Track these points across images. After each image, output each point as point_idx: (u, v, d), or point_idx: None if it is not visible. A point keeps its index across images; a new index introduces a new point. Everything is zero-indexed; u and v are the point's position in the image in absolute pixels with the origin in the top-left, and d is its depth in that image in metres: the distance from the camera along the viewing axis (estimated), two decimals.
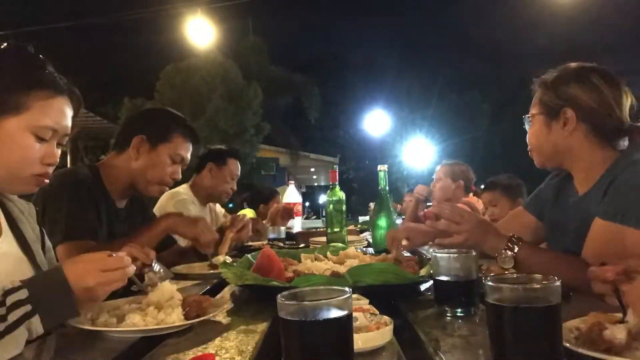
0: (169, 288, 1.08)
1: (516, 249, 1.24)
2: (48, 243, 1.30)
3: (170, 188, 2.05)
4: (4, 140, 1.07)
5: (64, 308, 0.95)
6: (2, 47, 1.14)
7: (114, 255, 1.02)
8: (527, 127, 1.53)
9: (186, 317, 1.00)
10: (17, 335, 0.88)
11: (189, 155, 1.92)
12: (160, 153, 1.81)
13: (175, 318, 0.98)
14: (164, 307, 1.02)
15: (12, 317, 0.87)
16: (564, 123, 1.39)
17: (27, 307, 0.89)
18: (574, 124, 1.38)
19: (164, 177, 1.83)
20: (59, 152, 1.16)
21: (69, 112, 1.16)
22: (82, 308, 0.99)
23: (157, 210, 2.59)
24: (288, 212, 2.97)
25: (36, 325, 0.90)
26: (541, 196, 1.67)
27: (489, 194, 3.11)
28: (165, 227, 1.73)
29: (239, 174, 2.95)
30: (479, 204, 3.29)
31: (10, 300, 0.89)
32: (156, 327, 0.95)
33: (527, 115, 1.51)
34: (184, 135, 1.88)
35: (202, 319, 0.99)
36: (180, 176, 1.91)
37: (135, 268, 1.06)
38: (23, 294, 0.90)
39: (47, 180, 1.15)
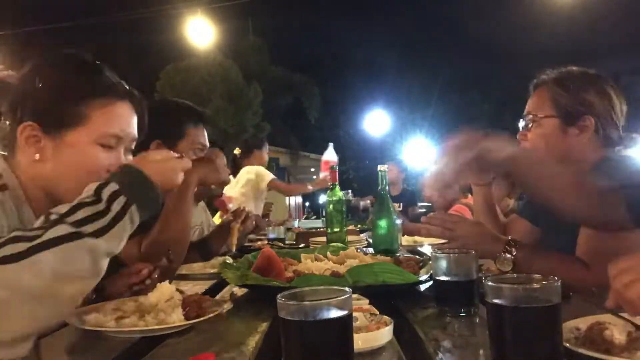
0: (168, 288, 1.08)
1: (514, 252, 1.24)
2: None
3: None
4: (72, 152, 1.07)
5: (153, 198, 0.98)
6: (56, 58, 1.14)
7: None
8: (525, 126, 1.51)
9: (186, 317, 1.00)
10: (124, 226, 0.89)
11: (207, 141, 1.87)
12: (180, 151, 1.77)
13: (175, 318, 0.98)
14: (163, 307, 1.02)
15: (115, 207, 0.89)
16: (580, 130, 1.40)
17: (123, 198, 0.91)
18: (590, 132, 1.39)
19: None
20: (129, 157, 1.15)
21: (132, 117, 1.15)
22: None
23: None
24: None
25: (134, 215, 0.92)
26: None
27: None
28: (196, 183, 1.66)
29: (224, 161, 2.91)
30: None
31: (105, 194, 0.90)
32: (156, 327, 0.95)
33: (538, 115, 1.47)
34: (196, 124, 1.83)
35: (202, 319, 0.99)
36: None
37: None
38: (114, 186, 0.92)
39: None
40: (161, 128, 1.78)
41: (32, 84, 1.07)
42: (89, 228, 0.85)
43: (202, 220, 2.76)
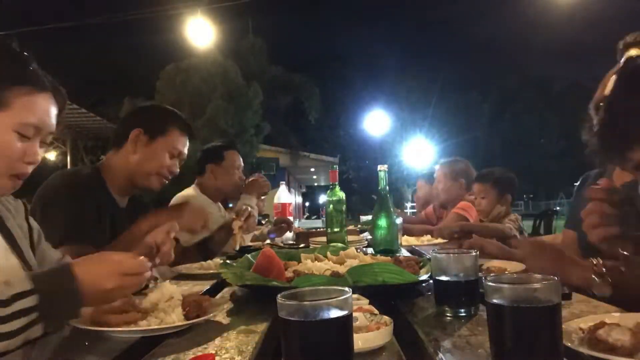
0: (169, 288, 1.08)
1: (605, 271, 1.14)
2: (36, 236, 1.28)
3: (173, 184, 2.01)
4: None
5: (69, 314, 0.93)
6: None
7: (137, 258, 1.00)
8: None
9: (186, 317, 1.00)
10: (13, 342, 0.85)
11: (186, 150, 1.91)
12: (157, 146, 1.81)
13: (175, 318, 0.98)
14: (163, 307, 1.02)
15: (16, 324, 0.84)
16: None
17: (34, 315, 0.87)
18: None
19: (161, 168, 1.82)
20: (42, 151, 1.14)
21: (53, 110, 1.14)
22: (88, 307, 0.97)
23: None
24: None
25: (36, 331, 0.89)
26: (575, 207, 1.68)
27: (479, 185, 3.10)
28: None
29: (242, 163, 2.94)
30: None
31: (19, 306, 0.85)
32: (156, 327, 0.95)
33: None
34: (180, 129, 1.87)
35: (202, 319, 0.99)
36: (178, 170, 1.90)
37: (151, 273, 1.03)
38: (33, 300, 0.87)
39: (20, 181, 1.11)
40: (147, 120, 1.83)
41: None
42: None
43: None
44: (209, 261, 1.89)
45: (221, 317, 1.07)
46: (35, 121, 1.08)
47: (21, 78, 1.07)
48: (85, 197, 1.65)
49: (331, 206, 2.09)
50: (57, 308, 0.90)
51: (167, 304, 1.03)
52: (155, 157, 1.80)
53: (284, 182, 3.28)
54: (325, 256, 1.55)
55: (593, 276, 1.13)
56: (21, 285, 0.88)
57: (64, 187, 1.64)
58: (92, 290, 0.92)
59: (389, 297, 1.14)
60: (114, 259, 0.98)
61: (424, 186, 4.37)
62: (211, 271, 1.68)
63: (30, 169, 1.12)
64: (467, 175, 3.46)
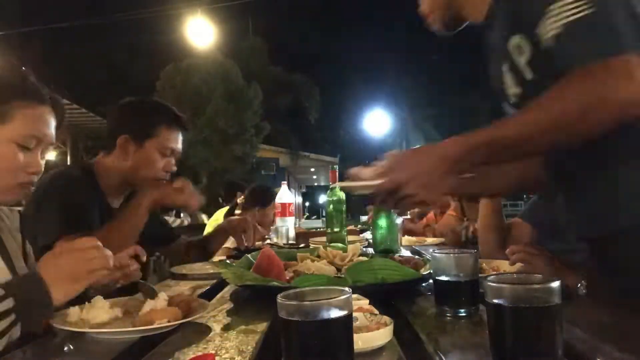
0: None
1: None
2: (28, 247, 1.30)
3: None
4: None
5: (42, 311, 0.95)
6: None
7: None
8: None
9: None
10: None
11: (179, 146, 1.83)
12: (148, 150, 1.74)
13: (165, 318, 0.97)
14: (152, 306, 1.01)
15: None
16: None
17: (12, 317, 0.90)
18: None
19: (157, 173, 1.77)
20: (43, 161, 1.18)
21: (53, 122, 1.18)
22: (65, 298, 0.98)
23: None
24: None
25: (15, 332, 0.91)
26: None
27: None
28: (150, 204, 1.64)
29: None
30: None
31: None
32: (140, 327, 0.94)
33: None
34: (169, 126, 1.78)
35: (189, 319, 0.98)
36: (175, 168, 1.84)
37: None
38: (9, 303, 0.90)
39: (32, 188, 1.17)
40: (132, 123, 1.75)
41: None
42: None
43: None
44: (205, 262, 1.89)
45: (221, 317, 1.07)
46: (36, 133, 1.13)
47: (22, 92, 1.13)
48: (77, 195, 1.63)
49: (331, 206, 2.08)
50: (30, 307, 0.94)
51: (153, 302, 1.01)
52: (147, 163, 1.74)
53: (284, 182, 3.26)
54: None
55: (579, 285, 1.20)
56: None
57: (57, 187, 1.62)
58: (54, 276, 0.96)
59: (388, 296, 1.14)
60: (61, 242, 1.04)
61: None
62: (211, 271, 1.68)
63: (35, 178, 1.16)
64: None
